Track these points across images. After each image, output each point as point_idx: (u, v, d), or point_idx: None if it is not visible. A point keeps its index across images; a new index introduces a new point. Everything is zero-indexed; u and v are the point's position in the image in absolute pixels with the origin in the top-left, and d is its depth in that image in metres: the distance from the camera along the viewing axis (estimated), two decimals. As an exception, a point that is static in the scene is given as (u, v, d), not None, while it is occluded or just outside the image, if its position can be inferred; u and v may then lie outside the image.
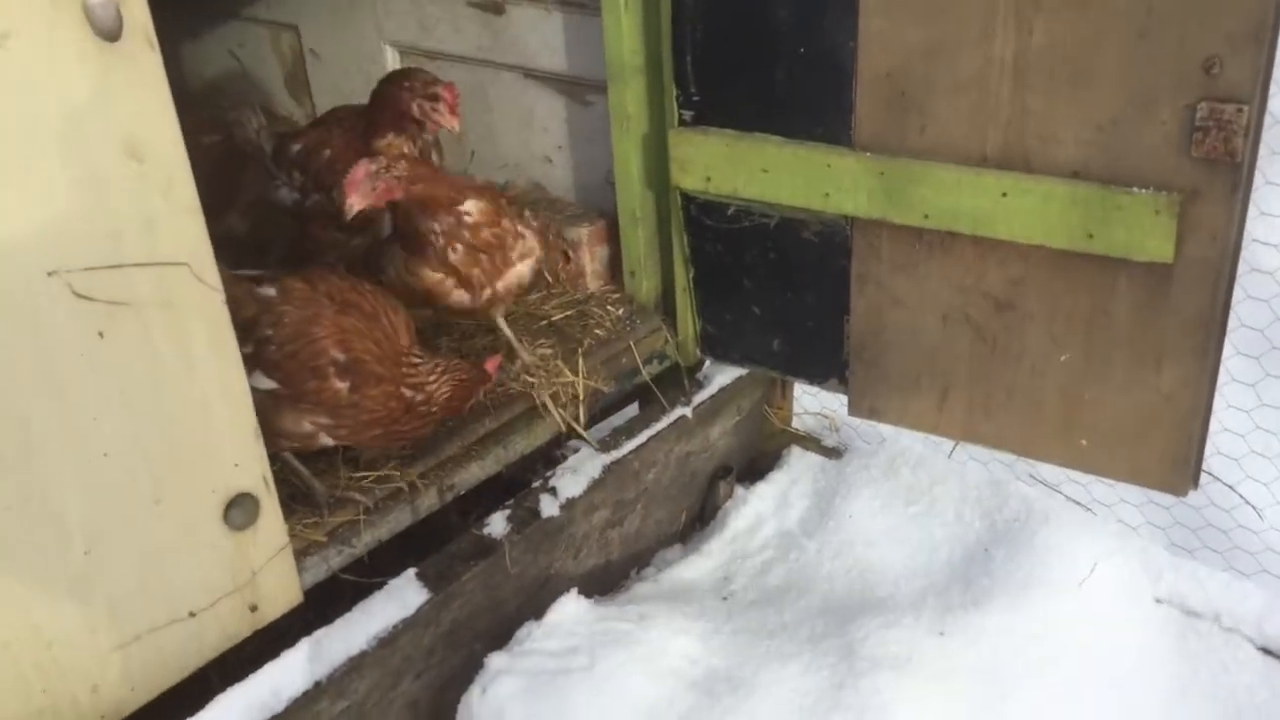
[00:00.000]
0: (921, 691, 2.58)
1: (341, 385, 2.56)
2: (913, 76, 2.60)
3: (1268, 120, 2.42)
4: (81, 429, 2.04)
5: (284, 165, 3.33)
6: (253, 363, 2.45)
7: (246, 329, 2.47)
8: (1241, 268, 2.50)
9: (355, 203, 2.67)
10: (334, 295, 2.63)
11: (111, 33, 1.91)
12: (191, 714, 2.30)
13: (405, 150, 3.16)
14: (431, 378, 2.67)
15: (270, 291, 2.59)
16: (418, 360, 2.67)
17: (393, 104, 3.13)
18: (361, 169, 2.68)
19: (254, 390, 2.37)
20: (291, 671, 2.41)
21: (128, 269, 2.03)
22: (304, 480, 2.69)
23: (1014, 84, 2.49)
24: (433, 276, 2.88)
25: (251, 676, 2.37)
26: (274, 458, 2.49)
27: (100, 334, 2.02)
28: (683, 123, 3.04)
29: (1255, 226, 2.70)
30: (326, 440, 2.63)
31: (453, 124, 3.09)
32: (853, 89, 2.70)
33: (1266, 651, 2.77)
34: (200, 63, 4.96)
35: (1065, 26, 2.38)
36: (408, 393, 2.64)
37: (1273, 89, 2.35)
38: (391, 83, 3.18)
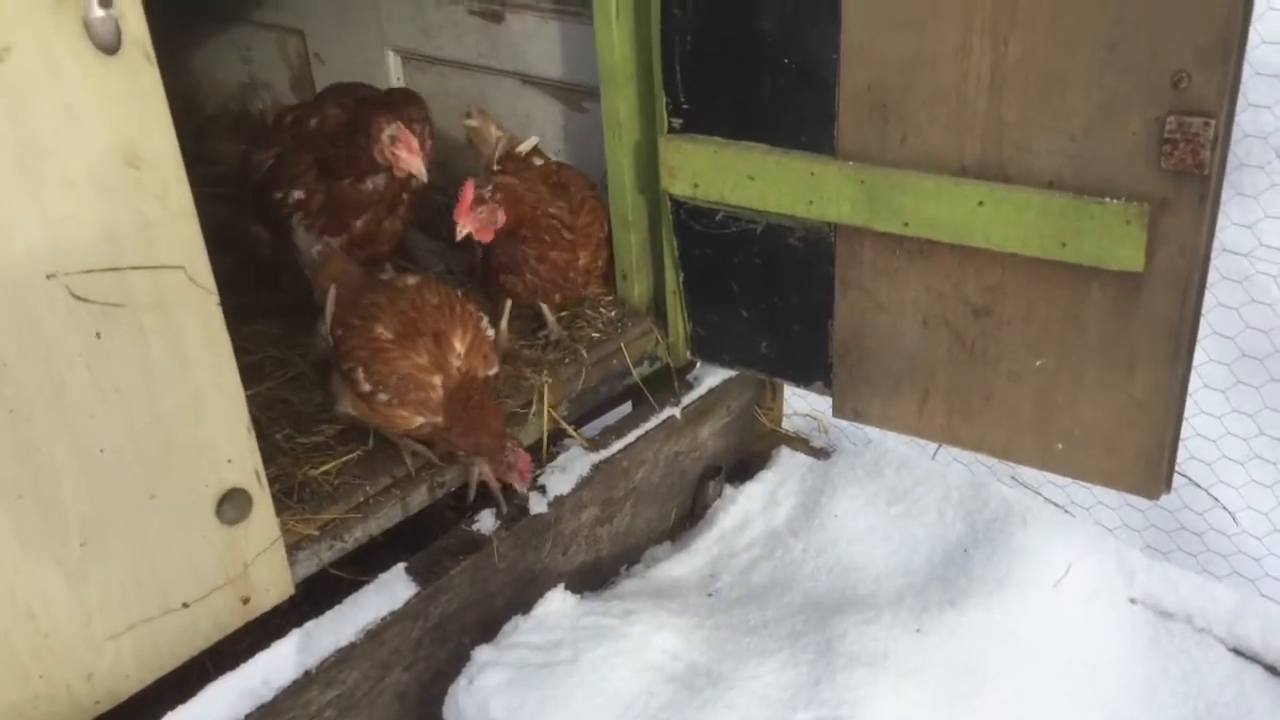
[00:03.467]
0: (896, 687, 2.64)
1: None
2: (892, 89, 2.66)
3: (1236, 133, 2.47)
4: (79, 426, 2.12)
5: (280, 132, 3.51)
6: None
7: None
8: (1213, 276, 2.55)
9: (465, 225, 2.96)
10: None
11: (110, 46, 1.99)
12: (185, 701, 2.38)
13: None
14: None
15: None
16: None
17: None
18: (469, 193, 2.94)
19: None
20: (282, 661, 2.49)
21: (124, 272, 2.11)
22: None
23: (990, 96, 2.54)
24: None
25: (242, 666, 2.45)
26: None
27: (98, 334, 2.10)
28: (672, 130, 3.11)
29: (1226, 236, 2.74)
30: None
31: (415, 168, 3.12)
32: (835, 100, 2.76)
33: (1236, 652, 2.83)
34: (210, 67, 5.05)
35: (1039, 39, 2.43)
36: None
37: (1241, 104, 2.40)
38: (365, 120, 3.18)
